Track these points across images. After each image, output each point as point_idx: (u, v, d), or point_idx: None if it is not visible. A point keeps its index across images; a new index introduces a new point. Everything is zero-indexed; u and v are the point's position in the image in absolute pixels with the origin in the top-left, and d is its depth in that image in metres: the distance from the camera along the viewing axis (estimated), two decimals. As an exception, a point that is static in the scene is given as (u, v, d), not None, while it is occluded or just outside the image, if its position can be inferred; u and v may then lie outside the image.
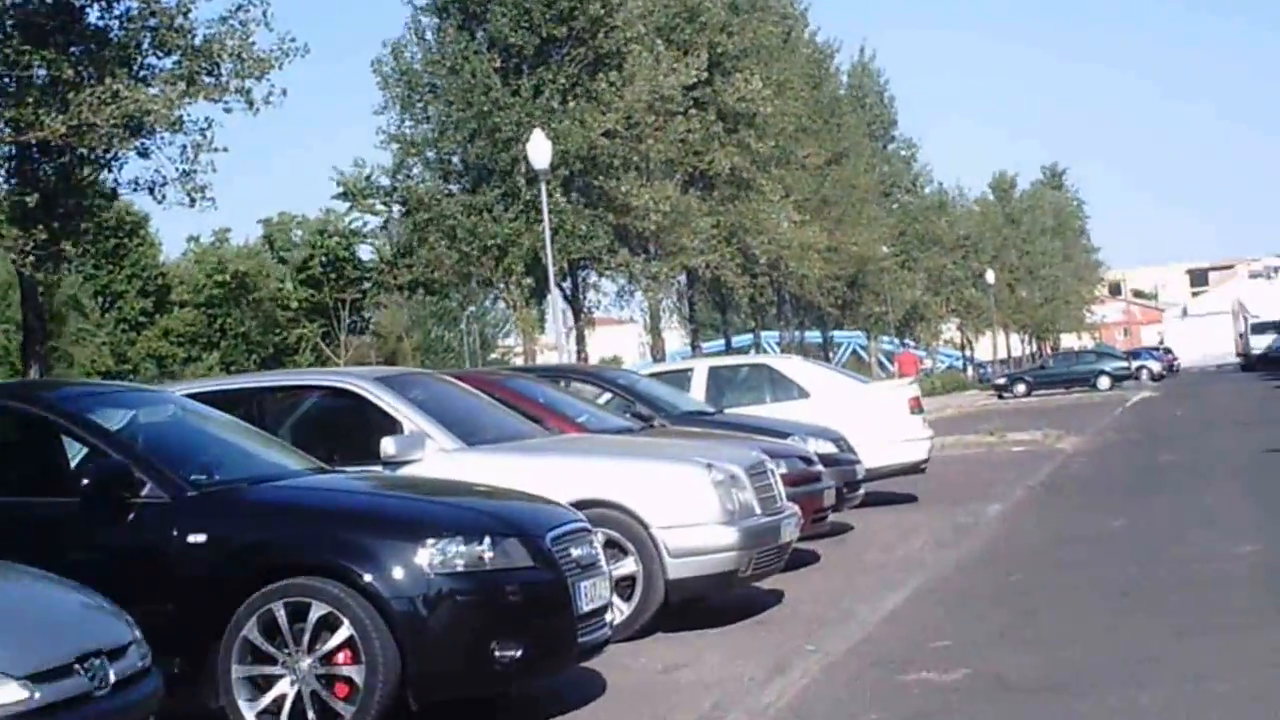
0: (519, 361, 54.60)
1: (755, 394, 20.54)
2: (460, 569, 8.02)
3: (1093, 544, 14.66)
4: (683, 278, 46.54)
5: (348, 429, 11.55)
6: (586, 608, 8.52)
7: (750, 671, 9.30)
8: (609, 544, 10.13)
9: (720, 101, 41.40)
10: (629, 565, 10.50)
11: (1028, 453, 27.83)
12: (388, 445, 10.36)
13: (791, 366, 21.23)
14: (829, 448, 16.35)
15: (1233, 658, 8.84)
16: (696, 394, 19.46)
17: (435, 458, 10.49)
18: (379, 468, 10.38)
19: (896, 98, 71.20)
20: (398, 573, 7.97)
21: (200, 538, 8.24)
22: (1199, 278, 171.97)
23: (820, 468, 14.82)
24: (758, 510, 11.21)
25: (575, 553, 8.59)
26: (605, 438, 13.06)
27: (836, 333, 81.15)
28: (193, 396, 10.76)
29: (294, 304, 65.75)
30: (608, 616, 8.94)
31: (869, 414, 19.41)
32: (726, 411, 18.15)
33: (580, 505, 9.74)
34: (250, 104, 25.53)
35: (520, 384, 14.91)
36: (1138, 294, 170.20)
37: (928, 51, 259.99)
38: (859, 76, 68.87)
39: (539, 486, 9.47)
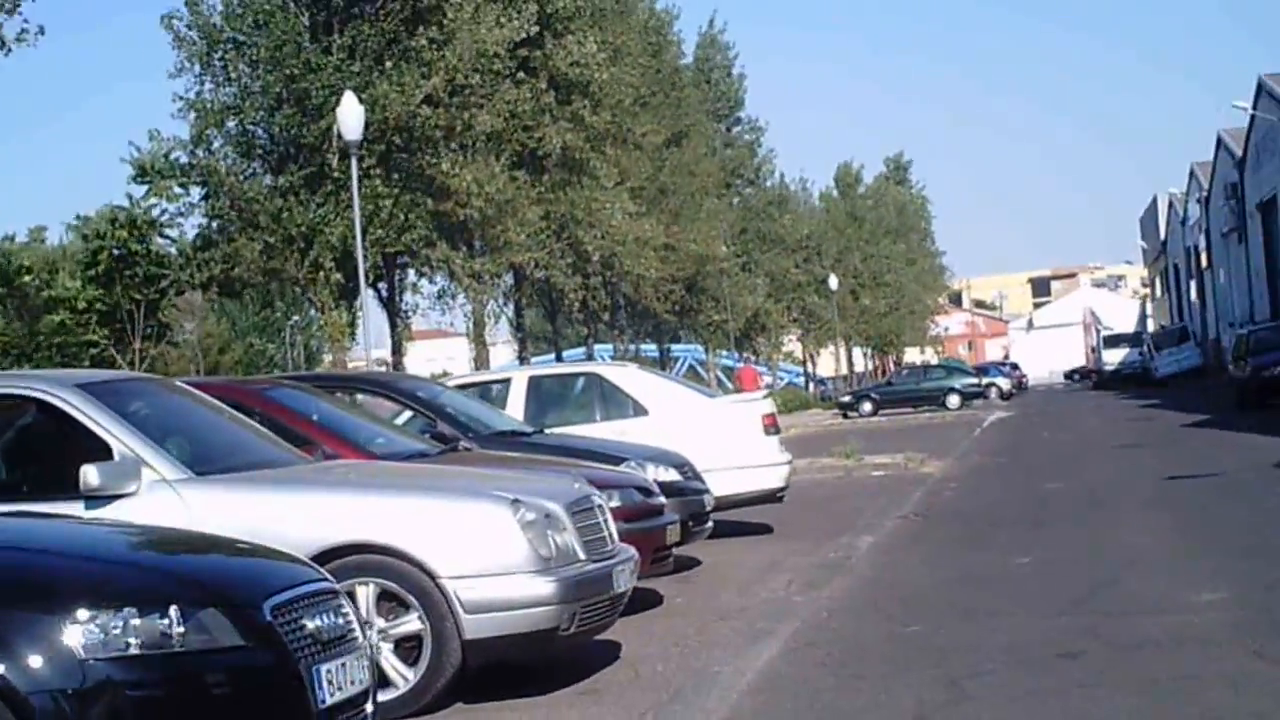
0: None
1: (584, 411, 18.10)
2: (133, 651, 5.80)
3: (999, 586, 12.43)
4: (510, 278, 44.01)
5: (42, 453, 9.46)
6: (332, 698, 6.31)
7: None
8: (386, 596, 8.54)
9: (552, 67, 39.10)
10: (412, 623, 8.58)
11: (891, 478, 25.71)
12: (90, 475, 8.33)
13: (627, 378, 18.54)
14: (671, 475, 14.16)
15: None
16: (514, 410, 17.07)
17: (152, 491, 8.51)
18: (79, 504, 8.27)
19: (746, 75, 68.81)
20: (35, 658, 5.71)
21: None
22: (1041, 287, 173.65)
23: (661, 499, 12.68)
24: (581, 555, 9.12)
25: (312, 624, 6.34)
26: (384, 465, 10.87)
27: (673, 346, 79.20)
28: None
29: (80, 304, 61.62)
30: (369, 706, 6.73)
31: (718, 434, 17.25)
32: (550, 431, 15.88)
33: (345, 550, 8.38)
34: (1, 42, 24.04)
35: (286, 397, 12.36)
36: (979, 304, 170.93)
37: (765, 40, 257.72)
38: (706, 48, 66.65)
39: (289, 528, 8.08)
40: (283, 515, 8.39)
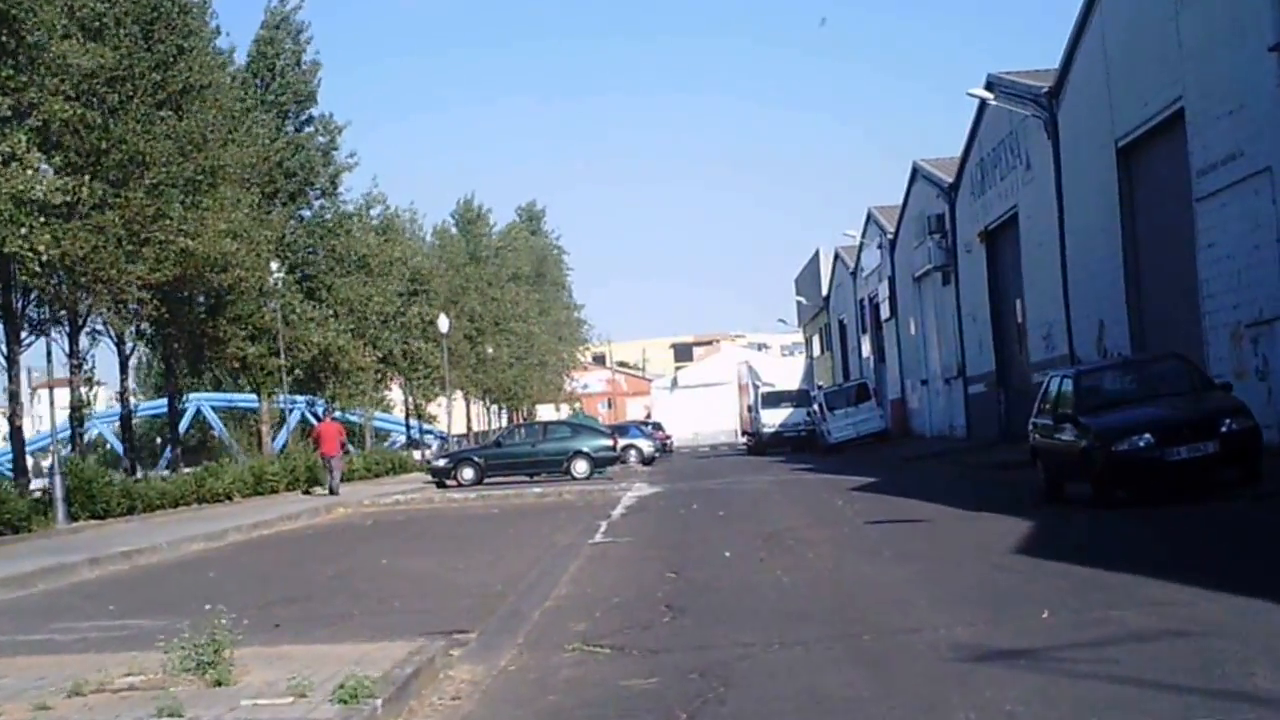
0: None
1: None
2: None
3: None
4: None
5: None
6: None
7: None
8: None
9: None
10: None
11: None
12: None
13: None
14: None
15: None
16: None
17: None
18: None
19: (322, 64, 50.84)
20: None
21: None
22: (683, 352, 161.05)
23: None
24: None
25: None
26: None
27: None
28: None
29: None
30: None
31: None
32: None
33: None
34: None
35: None
36: (623, 364, 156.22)
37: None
38: (272, 30, 48.98)
39: None
40: None
